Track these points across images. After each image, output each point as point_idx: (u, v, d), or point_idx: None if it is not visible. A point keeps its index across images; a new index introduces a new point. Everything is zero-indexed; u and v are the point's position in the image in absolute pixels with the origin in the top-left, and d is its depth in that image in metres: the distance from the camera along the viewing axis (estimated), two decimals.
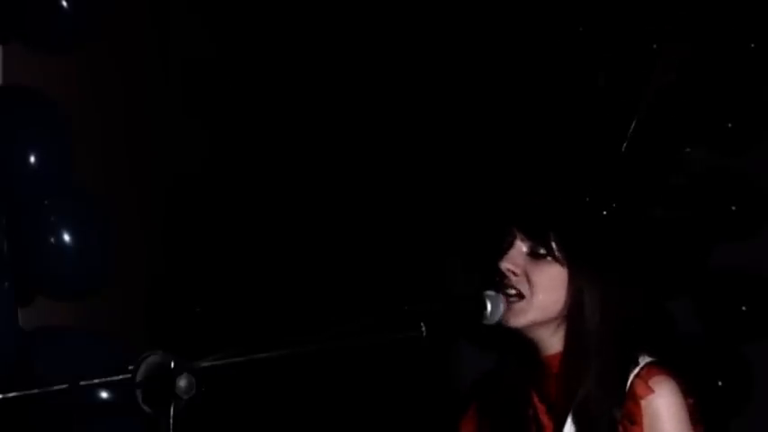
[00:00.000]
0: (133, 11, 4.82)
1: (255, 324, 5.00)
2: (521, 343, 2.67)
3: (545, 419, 2.64)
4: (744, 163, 5.52)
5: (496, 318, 2.59)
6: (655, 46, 5.20)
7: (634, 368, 2.61)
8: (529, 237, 2.62)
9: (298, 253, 5.22)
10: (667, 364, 2.63)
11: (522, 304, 2.60)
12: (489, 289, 2.61)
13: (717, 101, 5.45)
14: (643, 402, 2.57)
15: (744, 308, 5.51)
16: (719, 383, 5.43)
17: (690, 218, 5.46)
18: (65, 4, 4.18)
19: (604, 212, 2.61)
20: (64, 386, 2.23)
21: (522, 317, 2.61)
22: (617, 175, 4.99)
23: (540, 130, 5.04)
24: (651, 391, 2.58)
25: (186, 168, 5.27)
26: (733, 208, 5.48)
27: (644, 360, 2.63)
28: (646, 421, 2.57)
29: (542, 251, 2.61)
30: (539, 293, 2.61)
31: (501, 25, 5.13)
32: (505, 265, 2.62)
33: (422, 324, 2.48)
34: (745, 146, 5.53)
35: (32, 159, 4.10)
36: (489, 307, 2.58)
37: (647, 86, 5.13)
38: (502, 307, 2.59)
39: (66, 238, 4.11)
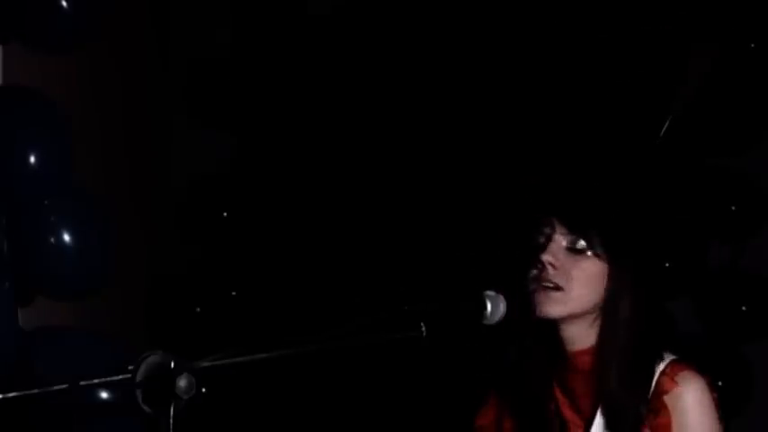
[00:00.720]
0: (133, 11, 4.82)
1: (256, 324, 5.00)
2: (546, 337, 2.68)
3: (568, 413, 2.66)
4: (744, 163, 5.52)
5: (496, 318, 2.59)
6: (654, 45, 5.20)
7: (659, 364, 2.64)
8: (571, 231, 2.63)
9: (298, 253, 5.22)
10: (692, 361, 2.66)
11: (559, 295, 2.61)
12: (490, 289, 2.61)
13: (717, 101, 5.44)
14: (667, 397, 2.60)
15: (744, 308, 5.50)
16: (719, 383, 5.42)
17: (690, 218, 5.46)
18: (65, 4, 4.18)
19: (644, 209, 2.65)
20: (64, 386, 2.23)
21: (560, 308, 2.62)
22: (652, 173, 5.00)
23: (580, 122, 5.03)
24: (677, 385, 2.61)
25: (186, 168, 5.27)
26: (733, 208, 5.47)
27: (668, 357, 2.66)
28: (674, 416, 2.60)
29: (582, 246, 2.62)
30: (577, 287, 2.62)
31: (537, 13, 5.10)
32: (547, 258, 2.63)
33: (422, 324, 2.48)
34: (745, 146, 5.53)
35: (32, 159, 4.09)
36: (489, 307, 2.58)
37: (681, 87, 5.13)
38: (502, 307, 2.59)
39: (67, 238, 4.11)
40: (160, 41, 5.13)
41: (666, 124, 5.04)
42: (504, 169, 5.02)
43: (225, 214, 5.27)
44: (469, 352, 4.48)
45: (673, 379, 2.62)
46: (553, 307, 2.62)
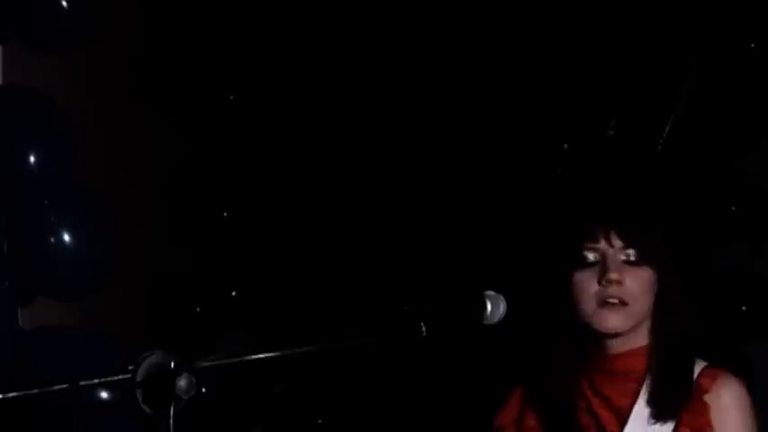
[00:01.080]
0: (133, 11, 4.82)
1: (256, 324, 4.99)
2: (579, 340, 2.70)
3: (601, 412, 2.68)
4: (744, 163, 5.52)
5: (496, 318, 2.60)
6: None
7: (697, 366, 2.70)
8: (629, 245, 2.66)
9: (298, 253, 5.22)
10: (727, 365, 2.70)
11: (625, 309, 2.67)
12: (489, 289, 2.62)
13: (717, 100, 5.44)
14: (708, 396, 2.64)
15: (744, 308, 5.50)
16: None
17: (690, 217, 5.45)
18: (65, 4, 4.18)
19: (686, 214, 2.70)
20: (64, 386, 2.23)
21: (626, 322, 2.69)
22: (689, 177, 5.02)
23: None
24: (717, 385, 2.68)
25: (186, 168, 5.27)
26: (733, 208, 5.47)
27: (701, 360, 2.73)
28: (714, 415, 2.64)
29: (637, 258, 2.65)
30: (639, 300, 2.69)
31: (546, 19, 5.10)
32: (613, 276, 2.67)
33: (422, 324, 2.48)
34: (745, 146, 5.52)
35: (32, 159, 4.10)
36: (489, 307, 2.59)
37: (681, 88, 5.14)
38: (502, 307, 2.60)
39: (66, 238, 4.11)
40: (160, 41, 5.12)
41: (669, 124, 5.04)
42: (528, 173, 5.03)
43: (225, 214, 5.27)
44: (469, 351, 4.49)
45: (713, 379, 2.68)
46: (619, 322, 2.69)
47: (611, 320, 2.66)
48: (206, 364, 2.20)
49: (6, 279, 4.05)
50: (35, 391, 2.23)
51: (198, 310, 5.14)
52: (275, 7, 5.23)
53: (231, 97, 5.27)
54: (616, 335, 2.70)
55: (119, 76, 4.77)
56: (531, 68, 5.08)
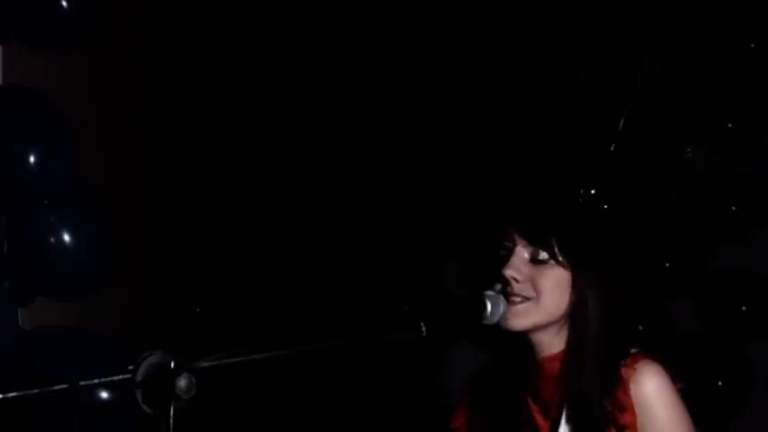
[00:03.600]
0: (133, 11, 4.83)
1: (255, 324, 5.00)
2: (519, 344, 2.68)
3: (540, 420, 2.66)
4: (744, 163, 5.52)
5: (496, 318, 2.60)
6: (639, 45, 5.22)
7: (624, 361, 2.64)
8: (531, 242, 2.64)
9: (298, 253, 5.22)
10: (654, 352, 2.66)
11: (525, 306, 2.62)
12: (489, 289, 2.62)
13: (716, 101, 5.45)
14: (625, 388, 2.59)
15: (744, 308, 5.51)
16: (719, 383, 5.43)
17: (690, 218, 5.46)
18: (65, 4, 4.19)
19: (602, 212, 2.63)
20: (64, 386, 2.23)
21: (526, 319, 2.62)
22: (613, 174, 5.01)
23: (534, 131, 5.05)
24: (635, 373, 2.61)
25: (186, 168, 5.27)
26: (733, 208, 5.48)
27: (633, 351, 2.66)
28: (635, 403, 2.60)
29: (544, 256, 2.62)
30: (543, 297, 2.63)
31: (490, 28, 5.13)
32: (509, 272, 2.63)
33: (422, 324, 2.48)
34: (745, 146, 5.53)
35: (32, 159, 4.10)
36: (489, 307, 2.59)
37: (633, 86, 5.15)
38: (502, 307, 2.60)
39: (66, 238, 4.11)
40: (160, 40, 5.12)
41: (621, 125, 5.05)
42: (477, 180, 5.05)
43: (224, 213, 5.27)
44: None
45: (633, 369, 2.62)
46: (521, 319, 2.63)
47: (512, 318, 2.62)
48: (206, 364, 2.20)
49: (6, 279, 4.05)
50: (35, 391, 2.23)
51: (198, 310, 5.15)
52: (274, 8, 5.24)
53: (228, 98, 5.28)
54: (528, 333, 2.66)
55: (119, 76, 4.77)
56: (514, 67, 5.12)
